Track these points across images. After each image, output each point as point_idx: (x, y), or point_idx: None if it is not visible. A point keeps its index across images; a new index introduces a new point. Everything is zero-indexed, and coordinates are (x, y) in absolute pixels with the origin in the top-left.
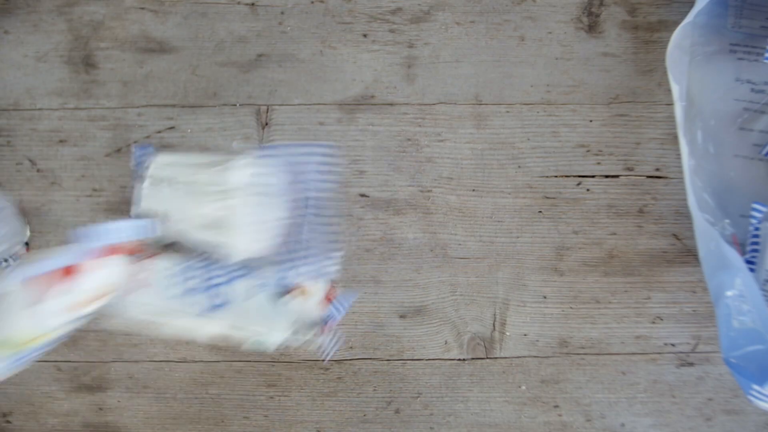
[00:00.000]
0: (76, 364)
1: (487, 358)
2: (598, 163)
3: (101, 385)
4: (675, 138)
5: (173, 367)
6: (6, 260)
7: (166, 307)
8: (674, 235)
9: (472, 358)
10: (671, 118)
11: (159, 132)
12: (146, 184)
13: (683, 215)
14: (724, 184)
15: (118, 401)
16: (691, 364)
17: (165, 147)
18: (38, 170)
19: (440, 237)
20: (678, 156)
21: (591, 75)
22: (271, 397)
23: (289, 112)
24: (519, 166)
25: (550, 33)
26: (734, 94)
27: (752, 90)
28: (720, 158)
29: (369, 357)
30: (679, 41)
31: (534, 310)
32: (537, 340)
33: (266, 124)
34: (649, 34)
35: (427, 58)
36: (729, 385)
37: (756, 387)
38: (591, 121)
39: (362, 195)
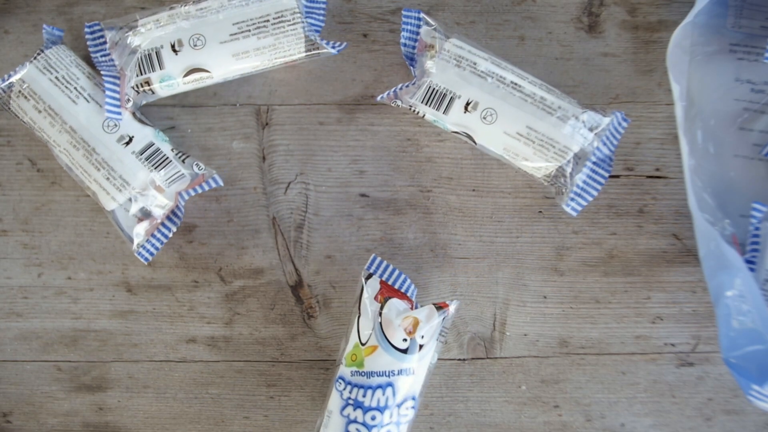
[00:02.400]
0: (76, 364)
1: (487, 358)
2: None
3: (101, 385)
4: (675, 138)
5: (173, 367)
6: None
7: None
8: (674, 235)
9: (472, 358)
10: (671, 118)
11: None
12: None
13: (683, 215)
14: (724, 184)
15: (118, 401)
16: (691, 364)
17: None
18: (38, 170)
19: (440, 237)
20: (678, 156)
21: (591, 75)
22: (271, 397)
23: (289, 112)
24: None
25: (550, 33)
26: (734, 94)
27: (752, 90)
28: (720, 158)
29: None
30: (679, 41)
31: (534, 310)
32: (537, 340)
33: (266, 124)
34: (649, 34)
35: None
36: (729, 385)
37: (756, 387)
38: None
39: (362, 195)
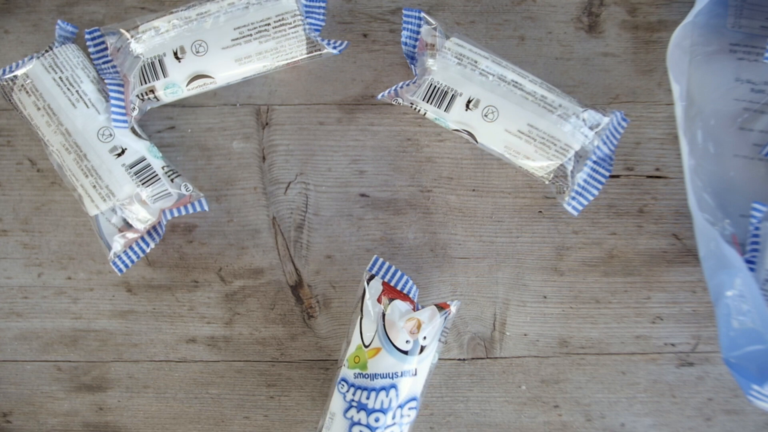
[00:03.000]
0: (76, 364)
1: (487, 358)
2: None
3: (101, 385)
4: (675, 138)
5: (173, 367)
6: None
7: None
8: (674, 235)
9: (472, 358)
10: (671, 118)
11: (159, 132)
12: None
13: (683, 215)
14: (724, 184)
15: (118, 401)
16: (691, 364)
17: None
18: (38, 170)
19: (440, 237)
20: (678, 156)
21: (591, 75)
22: (271, 397)
23: (289, 112)
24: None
25: (550, 33)
26: (734, 94)
27: (752, 90)
28: (720, 158)
29: None
30: (679, 41)
31: (534, 310)
32: (537, 340)
33: (266, 124)
34: (649, 34)
35: None
36: (729, 385)
37: (756, 387)
38: None
39: (362, 195)
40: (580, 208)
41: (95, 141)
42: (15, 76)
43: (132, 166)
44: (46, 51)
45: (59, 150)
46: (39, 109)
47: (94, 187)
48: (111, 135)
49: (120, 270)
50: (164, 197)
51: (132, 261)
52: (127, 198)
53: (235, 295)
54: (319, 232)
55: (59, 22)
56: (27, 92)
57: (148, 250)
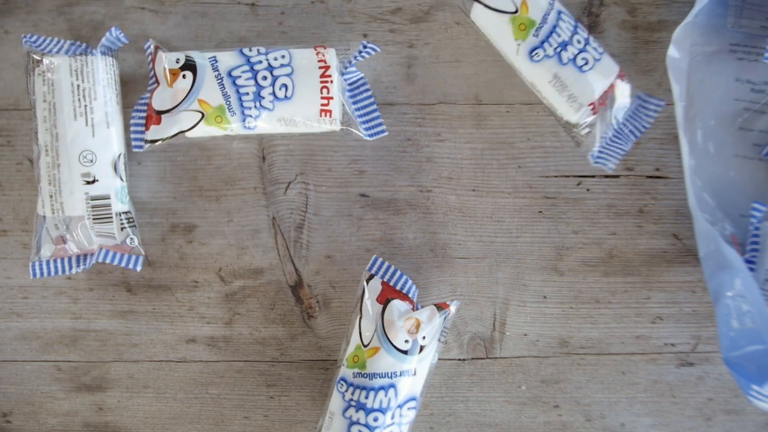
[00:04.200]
0: (76, 364)
1: (487, 358)
2: None
3: (101, 385)
4: (675, 138)
5: (173, 367)
6: None
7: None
8: (674, 235)
9: (472, 358)
10: (671, 118)
11: None
12: None
13: (683, 215)
14: (724, 183)
15: (118, 401)
16: (691, 364)
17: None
18: None
19: (440, 237)
20: (678, 156)
21: None
22: (271, 397)
23: None
24: (519, 166)
25: None
26: (734, 94)
27: (752, 90)
28: (720, 158)
29: None
30: (679, 41)
31: (534, 310)
32: (537, 340)
33: None
34: (649, 34)
35: (427, 58)
36: (729, 385)
37: (756, 387)
38: None
39: (362, 195)
40: (604, 162)
41: (74, 159)
42: (41, 61)
43: (93, 199)
44: (83, 53)
45: (41, 146)
46: (45, 101)
47: (51, 196)
48: (92, 162)
49: (34, 275)
50: (107, 237)
51: (50, 273)
52: (75, 221)
53: (235, 295)
54: (319, 232)
55: (114, 28)
56: (44, 81)
57: (69, 273)
